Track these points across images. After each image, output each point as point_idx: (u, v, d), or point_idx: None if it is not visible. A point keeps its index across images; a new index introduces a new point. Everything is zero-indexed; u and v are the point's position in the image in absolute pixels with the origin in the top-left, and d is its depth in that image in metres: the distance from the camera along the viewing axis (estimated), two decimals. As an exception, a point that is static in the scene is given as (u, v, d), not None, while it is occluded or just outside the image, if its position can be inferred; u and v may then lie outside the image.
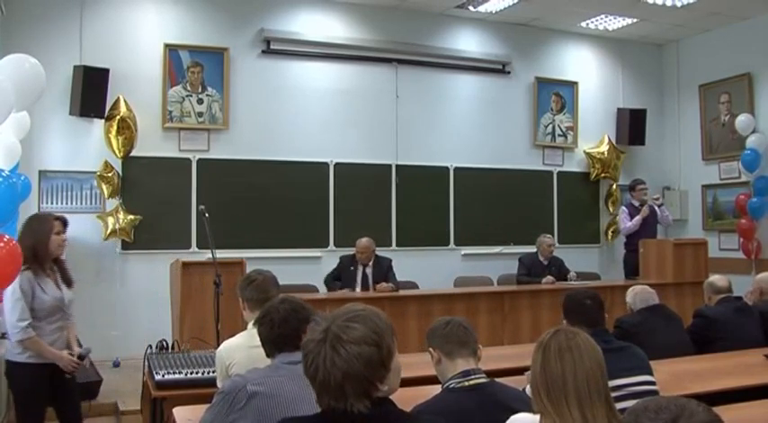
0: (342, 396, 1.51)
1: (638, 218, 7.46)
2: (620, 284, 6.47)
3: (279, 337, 2.28)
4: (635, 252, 7.34)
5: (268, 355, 2.34)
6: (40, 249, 3.35)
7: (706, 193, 8.61)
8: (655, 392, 2.71)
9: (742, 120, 7.87)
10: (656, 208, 7.59)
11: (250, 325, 2.84)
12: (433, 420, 1.80)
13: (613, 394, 1.84)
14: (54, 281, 3.42)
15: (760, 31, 7.88)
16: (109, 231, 6.43)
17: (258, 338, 2.38)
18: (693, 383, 3.23)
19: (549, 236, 7.13)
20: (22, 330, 3.26)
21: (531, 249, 7.19)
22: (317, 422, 1.59)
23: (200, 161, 6.92)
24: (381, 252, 7.33)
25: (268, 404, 2.07)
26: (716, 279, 4.49)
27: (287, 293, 2.56)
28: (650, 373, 2.82)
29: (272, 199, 7.10)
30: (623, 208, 7.85)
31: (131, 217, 6.51)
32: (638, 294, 4.12)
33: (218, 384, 2.72)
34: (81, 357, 3.44)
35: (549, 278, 6.70)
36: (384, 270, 6.29)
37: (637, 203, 7.57)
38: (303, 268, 6.84)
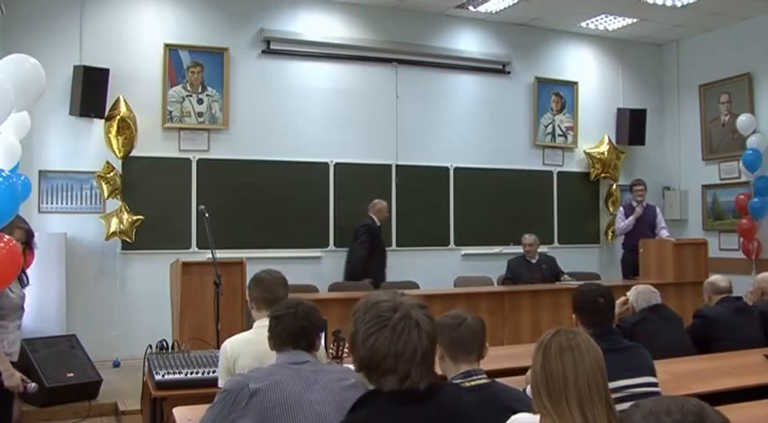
0: (425, 369, 1.55)
1: (631, 218, 7.48)
2: (620, 284, 6.46)
3: (299, 329, 2.29)
4: (632, 252, 7.35)
5: (273, 348, 2.34)
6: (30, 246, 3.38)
7: (706, 193, 8.61)
8: (657, 394, 2.70)
9: (743, 120, 7.87)
10: (658, 214, 7.60)
11: (257, 323, 2.85)
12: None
13: (614, 395, 1.84)
14: (18, 279, 3.38)
15: (760, 31, 7.88)
16: (111, 232, 6.43)
17: (265, 336, 2.39)
18: (693, 383, 3.22)
19: (527, 236, 7.07)
20: None
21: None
22: (390, 401, 1.56)
23: (200, 161, 6.92)
24: (381, 252, 7.35)
25: (269, 402, 2.08)
26: (717, 279, 4.47)
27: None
28: (653, 375, 2.80)
29: (272, 199, 7.10)
30: (620, 208, 7.92)
31: (134, 218, 6.51)
32: (641, 293, 4.10)
33: (220, 381, 2.72)
34: (27, 388, 3.25)
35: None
36: None
37: (634, 204, 7.57)
38: (303, 268, 6.84)
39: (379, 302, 1.58)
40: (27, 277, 3.50)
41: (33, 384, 3.23)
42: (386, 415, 1.55)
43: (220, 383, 2.68)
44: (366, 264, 6.75)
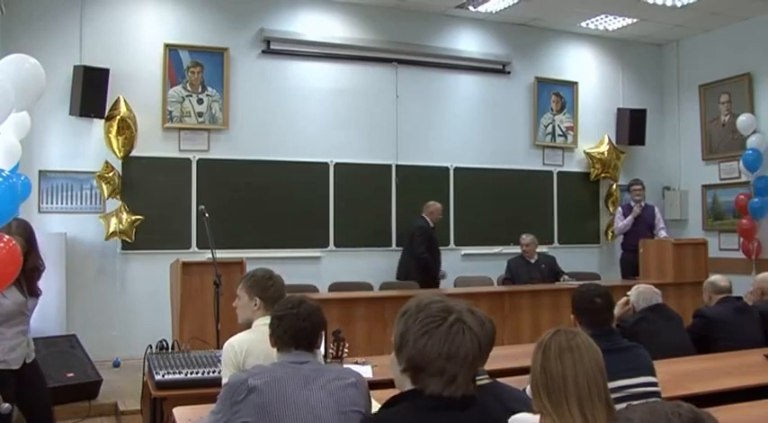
0: (470, 375, 1.56)
1: (629, 217, 7.49)
2: (620, 284, 6.46)
3: (301, 331, 2.29)
4: (631, 252, 7.36)
5: (274, 346, 2.34)
6: (31, 260, 3.29)
7: (706, 194, 8.61)
8: (656, 394, 2.70)
9: (743, 120, 7.87)
10: (656, 214, 7.61)
11: (257, 323, 2.84)
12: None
13: (614, 395, 1.84)
14: (17, 285, 3.29)
15: (760, 31, 7.88)
16: (110, 232, 6.43)
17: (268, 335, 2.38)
18: (693, 383, 3.23)
19: (525, 236, 7.12)
20: None
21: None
22: (430, 404, 1.56)
23: (200, 161, 6.92)
24: (381, 252, 7.36)
25: (266, 399, 2.10)
26: (717, 279, 4.48)
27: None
28: (653, 375, 2.79)
29: (272, 199, 7.10)
30: (619, 208, 7.92)
31: (134, 218, 6.51)
32: (642, 293, 4.09)
33: (224, 379, 2.71)
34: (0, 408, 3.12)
35: None
36: None
37: (633, 204, 7.58)
38: (303, 268, 6.85)
39: (432, 303, 1.57)
40: (34, 286, 3.42)
41: (7, 405, 3.12)
42: (424, 416, 1.55)
43: (224, 381, 2.67)
44: (428, 264, 6.90)
